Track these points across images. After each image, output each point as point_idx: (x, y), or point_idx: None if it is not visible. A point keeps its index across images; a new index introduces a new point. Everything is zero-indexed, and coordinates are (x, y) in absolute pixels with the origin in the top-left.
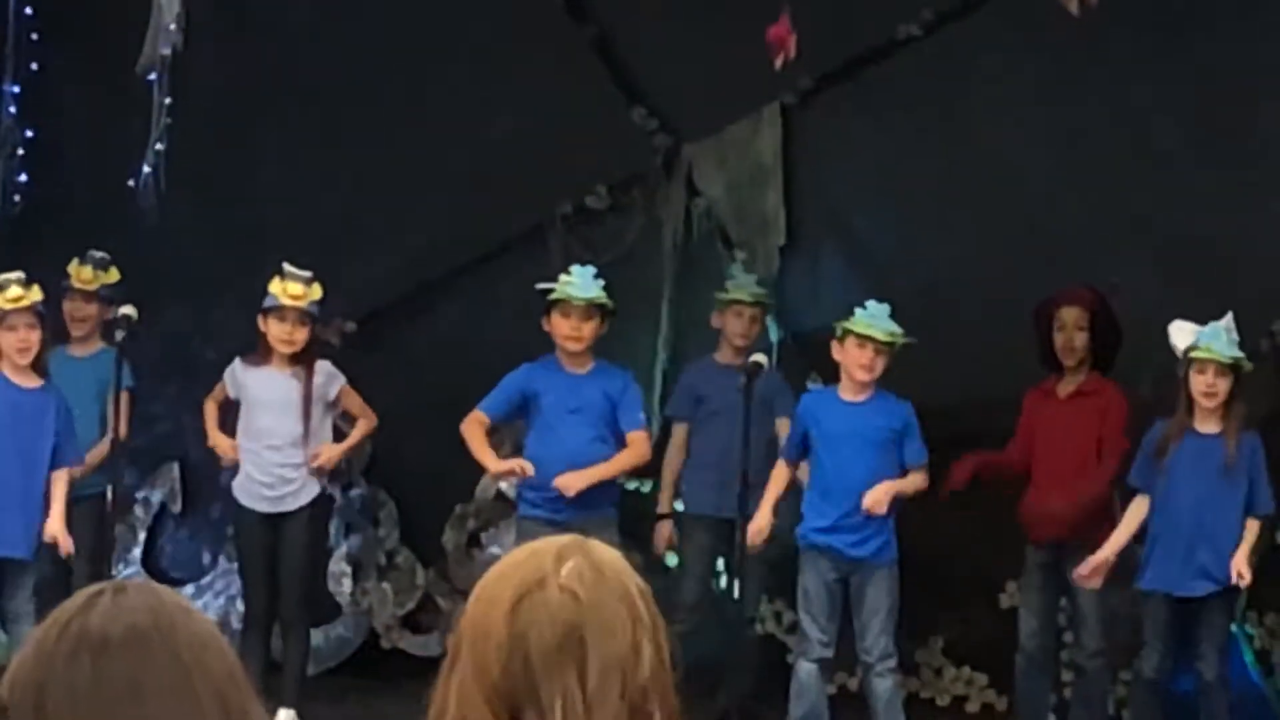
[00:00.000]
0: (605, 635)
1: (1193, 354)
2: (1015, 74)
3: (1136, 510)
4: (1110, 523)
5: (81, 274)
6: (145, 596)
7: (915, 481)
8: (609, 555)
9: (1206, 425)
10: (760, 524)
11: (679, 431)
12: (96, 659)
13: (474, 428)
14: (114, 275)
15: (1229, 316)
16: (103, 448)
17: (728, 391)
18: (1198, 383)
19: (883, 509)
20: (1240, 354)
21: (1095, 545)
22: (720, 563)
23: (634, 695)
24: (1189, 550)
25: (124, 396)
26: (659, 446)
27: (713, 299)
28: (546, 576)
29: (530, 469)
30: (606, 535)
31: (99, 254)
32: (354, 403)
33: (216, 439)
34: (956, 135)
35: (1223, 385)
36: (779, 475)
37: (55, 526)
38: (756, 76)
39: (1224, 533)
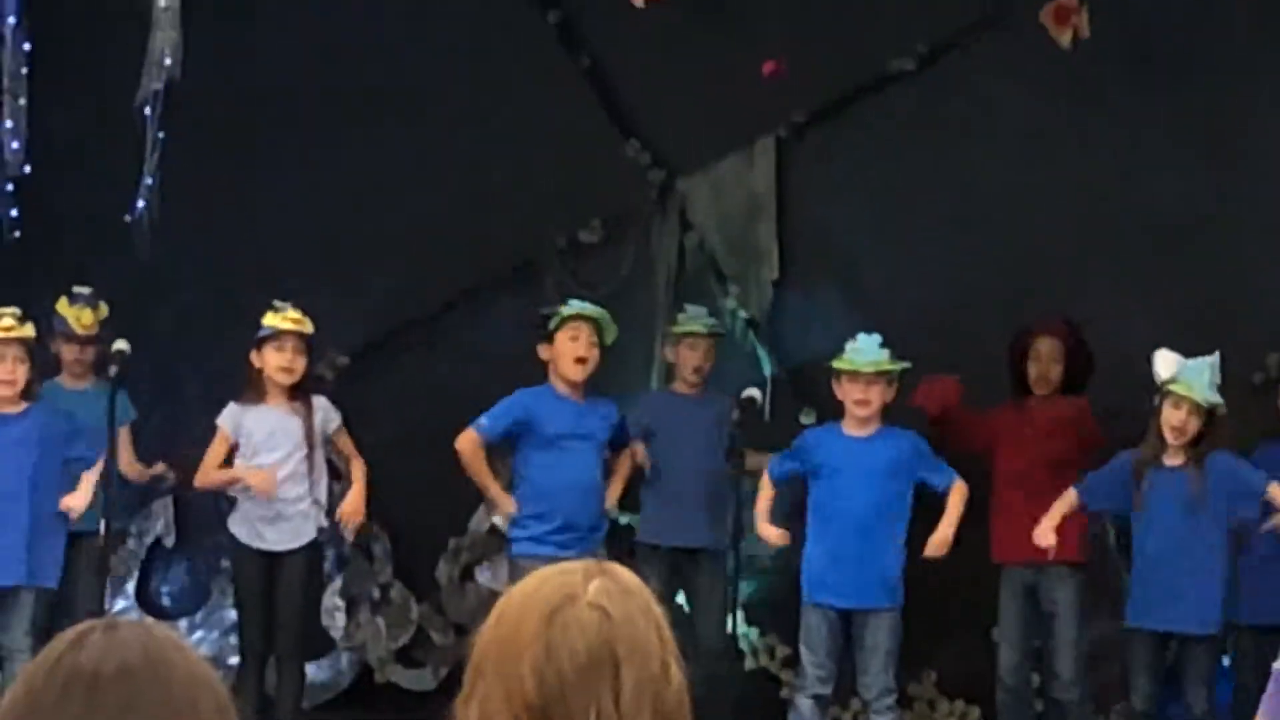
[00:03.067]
0: (637, 653)
1: (1171, 387)
2: (1007, 107)
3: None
4: (1084, 541)
5: (82, 319)
6: (138, 633)
7: (959, 505)
8: (630, 576)
9: (1174, 458)
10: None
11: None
12: (88, 696)
13: (475, 450)
14: (103, 310)
15: (1216, 355)
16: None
17: (691, 421)
18: (1170, 416)
19: (946, 549)
20: (1218, 399)
21: (1074, 566)
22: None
23: (663, 714)
24: (1171, 586)
25: (124, 432)
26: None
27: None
28: (576, 594)
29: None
30: None
31: (85, 290)
32: (347, 444)
33: (239, 476)
34: (949, 168)
35: (1193, 425)
36: (766, 487)
37: (72, 499)
38: (750, 110)
39: (1204, 568)
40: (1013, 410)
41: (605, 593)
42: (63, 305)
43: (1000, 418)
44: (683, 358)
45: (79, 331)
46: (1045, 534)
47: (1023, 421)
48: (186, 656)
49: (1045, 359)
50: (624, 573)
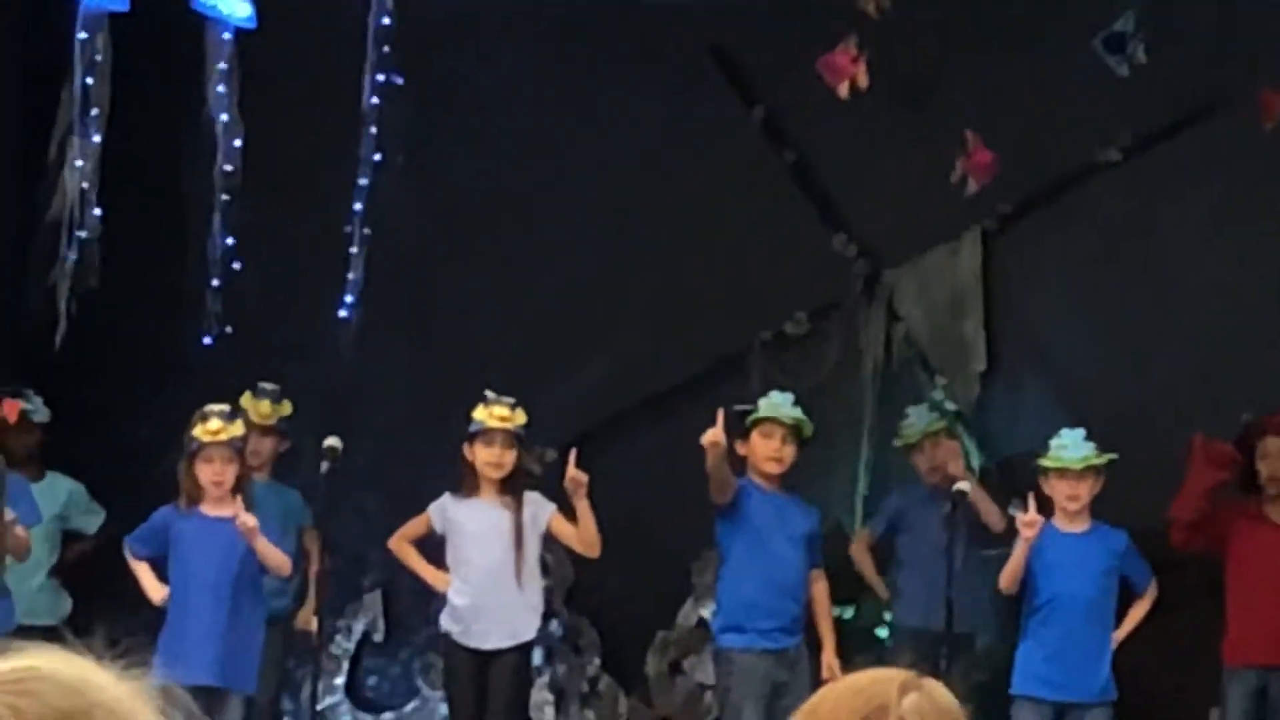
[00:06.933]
0: None
1: None
2: (1214, 197)
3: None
4: None
5: (260, 408)
6: None
7: (1144, 610)
8: (946, 697)
9: None
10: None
11: None
12: None
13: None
14: (286, 408)
15: None
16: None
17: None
18: None
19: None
20: None
21: None
22: None
23: None
24: None
25: (313, 533)
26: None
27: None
28: (889, 705)
29: None
30: (803, 661)
31: (270, 386)
32: (566, 530)
33: (429, 572)
34: (1155, 259)
35: None
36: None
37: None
38: (956, 202)
39: None
40: (1247, 513)
41: (917, 710)
42: (246, 399)
43: (1234, 523)
44: (923, 458)
45: (255, 421)
46: None
47: (1260, 526)
48: None
49: (1275, 456)
50: (940, 690)
